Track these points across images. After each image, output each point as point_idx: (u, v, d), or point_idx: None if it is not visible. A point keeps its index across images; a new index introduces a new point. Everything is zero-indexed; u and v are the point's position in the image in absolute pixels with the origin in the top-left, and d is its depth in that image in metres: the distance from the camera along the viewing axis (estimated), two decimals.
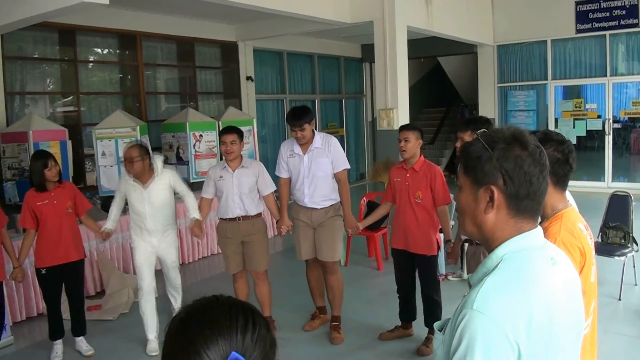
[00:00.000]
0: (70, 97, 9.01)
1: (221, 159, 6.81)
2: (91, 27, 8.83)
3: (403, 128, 4.91)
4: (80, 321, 5.21)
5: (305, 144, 5.08)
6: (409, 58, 9.55)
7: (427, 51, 13.04)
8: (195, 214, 5.29)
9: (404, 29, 9.18)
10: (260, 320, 1.10)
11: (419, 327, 5.04)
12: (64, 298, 5.18)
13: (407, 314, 5.09)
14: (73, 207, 5.09)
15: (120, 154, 7.26)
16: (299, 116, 4.99)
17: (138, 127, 7.94)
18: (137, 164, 4.99)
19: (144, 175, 5.09)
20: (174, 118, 9.25)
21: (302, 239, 5.23)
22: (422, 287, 4.89)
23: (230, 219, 5.18)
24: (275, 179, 5.35)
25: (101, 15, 8.32)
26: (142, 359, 5.05)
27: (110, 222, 5.26)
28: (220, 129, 5.33)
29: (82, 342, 5.22)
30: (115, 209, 5.29)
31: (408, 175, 4.81)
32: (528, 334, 1.27)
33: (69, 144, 7.62)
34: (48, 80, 8.93)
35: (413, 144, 4.74)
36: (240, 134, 5.12)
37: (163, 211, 5.18)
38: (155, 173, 5.14)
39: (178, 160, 8.85)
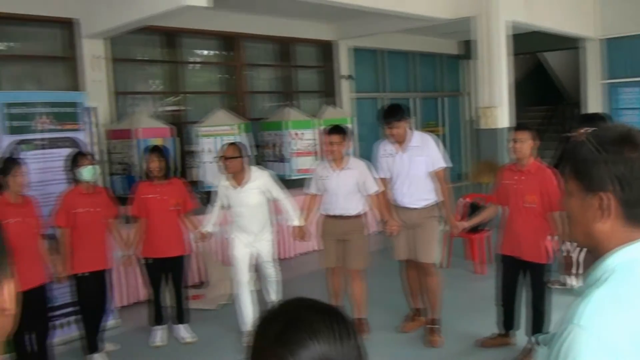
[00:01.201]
0: (175, 97, 9.40)
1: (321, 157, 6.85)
2: (193, 30, 9.15)
3: (517, 128, 4.70)
4: (182, 310, 5.42)
5: (401, 143, 4.99)
6: (511, 54, 9.25)
7: (528, 47, 12.55)
8: (295, 221, 5.33)
9: (504, 24, 8.91)
10: (352, 326, 1.07)
11: (519, 335, 4.82)
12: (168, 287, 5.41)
13: (508, 323, 4.85)
14: (179, 204, 5.30)
15: (214, 156, 7.50)
16: (392, 114, 4.92)
17: (241, 125, 8.15)
18: (234, 162, 5.07)
19: (239, 175, 5.16)
20: (273, 117, 9.43)
21: (399, 239, 5.14)
22: (529, 296, 4.63)
23: (331, 216, 5.20)
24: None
25: (202, 18, 8.60)
26: (239, 349, 5.15)
27: (210, 225, 5.39)
28: (321, 127, 5.35)
29: (183, 329, 5.42)
30: (215, 211, 5.39)
31: (519, 177, 4.56)
32: (635, 353, 1.17)
33: (176, 140, 7.94)
34: (153, 81, 9.34)
35: (526, 145, 4.49)
36: (344, 134, 5.11)
37: (257, 212, 5.22)
38: (250, 175, 5.20)
39: (277, 158, 9.01)
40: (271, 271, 5.46)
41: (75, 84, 7.89)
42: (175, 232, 5.33)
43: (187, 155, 8.91)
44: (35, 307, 4.44)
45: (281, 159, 8.95)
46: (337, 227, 5.17)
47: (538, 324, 4.56)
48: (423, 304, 5.34)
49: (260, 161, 9.07)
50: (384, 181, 5.20)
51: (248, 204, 5.15)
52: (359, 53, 11.92)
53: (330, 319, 1.04)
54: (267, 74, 10.90)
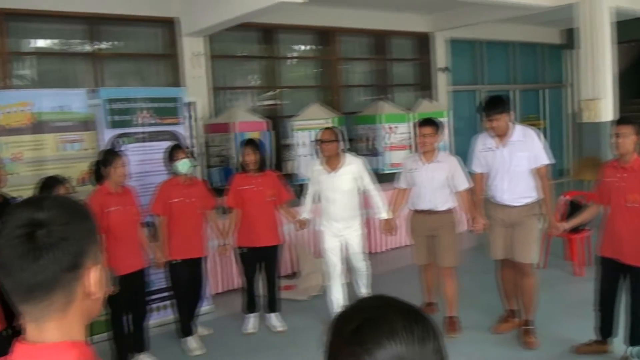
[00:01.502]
0: (271, 91, 9.58)
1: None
2: (289, 25, 9.28)
3: (618, 122, 4.36)
4: (274, 299, 5.53)
5: (501, 137, 4.79)
6: (615, 42, 8.75)
7: (632, 34, 11.79)
8: (383, 213, 5.31)
9: (608, 10, 8.43)
10: (433, 327, 1.04)
11: (617, 343, 4.50)
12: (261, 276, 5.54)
13: (607, 330, 4.52)
14: (274, 195, 5.40)
15: (311, 140, 7.59)
16: (493, 105, 4.74)
17: (334, 119, 8.20)
18: (330, 146, 5.11)
19: (333, 159, 5.19)
20: (368, 110, 9.41)
21: (496, 237, 4.94)
22: (631, 302, 4.30)
23: (419, 211, 5.15)
24: (470, 174, 5.16)
25: (298, 13, 8.70)
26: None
27: (306, 213, 5.48)
28: (414, 121, 5.29)
29: (275, 318, 5.53)
30: (309, 199, 5.48)
31: (622, 175, 4.26)
32: None
33: (272, 134, 8.10)
34: (250, 76, 9.56)
35: (629, 140, 4.18)
36: (436, 127, 5.04)
37: (349, 198, 5.23)
38: (344, 160, 5.23)
39: (370, 152, 8.99)
40: (361, 264, 5.45)
41: (175, 80, 8.22)
42: (270, 223, 5.43)
43: (283, 148, 9.06)
44: (133, 290, 4.71)
45: (374, 153, 8.93)
46: (425, 222, 5.10)
47: (637, 332, 4.27)
48: (518, 305, 5.12)
49: (354, 155, 9.09)
50: (481, 176, 5.04)
51: (341, 189, 5.17)
52: (455, 44, 11.65)
53: (410, 320, 1.01)
54: (362, 68, 10.89)
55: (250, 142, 5.46)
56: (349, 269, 5.56)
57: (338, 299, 5.28)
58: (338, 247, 5.32)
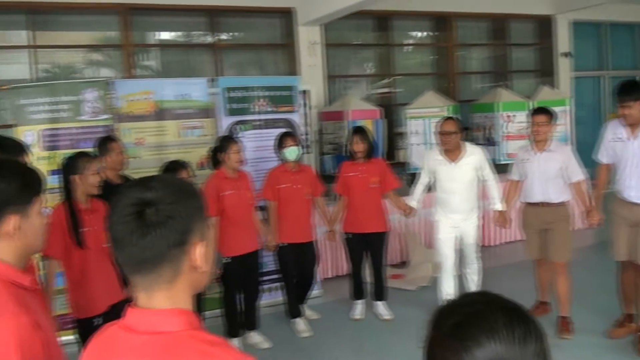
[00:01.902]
0: (386, 79, 9.55)
1: None
2: (405, 12, 9.21)
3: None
4: (380, 287, 5.55)
5: (633, 127, 4.43)
6: None
7: None
8: (498, 204, 5.19)
9: None
10: (537, 328, 1.02)
11: None
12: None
13: None
14: (379, 182, 5.40)
15: (431, 135, 7.49)
16: (626, 91, 4.38)
17: (449, 107, 8.06)
18: (452, 138, 4.99)
19: (455, 151, 5.08)
20: (484, 98, 9.14)
21: (620, 236, 4.60)
22: None
23: (532, 204, 4.96)
24: (592, 164, 4.87)
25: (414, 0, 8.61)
26: None
27: (415, 201, 5.44)
28: (532, 109, 5.08)
29: (382, 306, 5.55)
30: (420, 188, 5.43)
31: None
32: None
33: (384, 122, 8.09)
34: (365, 64, 9.58)
35: None
36: (550, 116, 4.84)
37: (469, 189, 5.13)
38: (465, 150, 5.11)
39: (486, 141, 8.75)
40: (473, 257, 5.33)
41: (292, 69, 8.41)
42: (376, 209, 5.43)
43: (395, 136, 9.02)
44: (246, 270, 4.92)
45: (491, 142, 8.67)
46: (538, 215, 4.91)
47: None
48: (637, 309, 4.76)
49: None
50: (607, 168, 4.75)
51: (462, 180, 5.07)
52: (579, 27, 10.97)
53: (512, 319, 1.00)
54: (480, 54, 10.59)
55: (358, 131, 5.47)
56: (461, 261, 5.47)
57: (448, 292, 5.20)
58: (453, 238, 5.24)
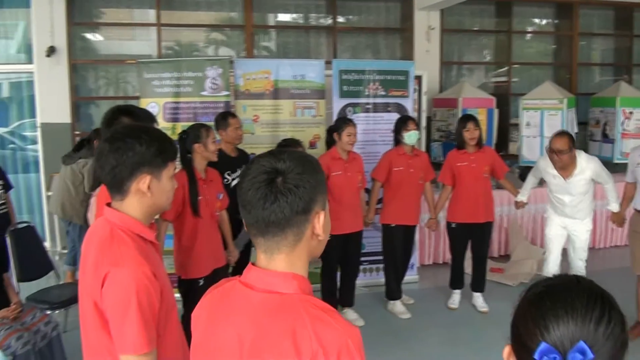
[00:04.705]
0: (503, 68, 9.33)
1: None
2: None
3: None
4: (480, 278, 5.52)
5: None
6: None
7: None
8: (613, 205, 5.00)
9: None
10: (617, 316, 1.06)
11: None
12: (468, 255, 5.58)
13: None
14: (490, 172, 5.35)
15: (545, 128, 7.29)
16: None
17: (565, 100, 7.78)
18: (563, 157, 4.64)
19: (568, 168, 4.76)
20: (604, 92, 8.71)
21: None
22: None
23: None
24: None
25: None
26: None
27: (524, 195, 5.33)
28: None
29: (479, 298, 5.54)
30: (530, 183, 5.32)
31: None
32: None
33: (496, 112, 7.94)
34: (483, 52, 9.40)
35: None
36: None
37: (582, 200, 4.90)
38: (579, 165, 4.76)
39: (603, 138, 8.37)
40: (580, 261, 5.09)
41: (407, 53, 8.42)
42: (485, 199, 5.36)
43: (510, 127, 8.81)
44: (348, 249, 5.08)
45: (607, 140, 8.29)
46: None
47: None
48: None
49: (585, 140, 8.56)
50: None
51: (575, 192, 4.83)
52: None
53: (594, 302, 1.05)
54: (602, 44, 10.07)
55: (471, 118, 5.36)
56: (566, 261, 5.27)
57: None
58: (562, 236, 5.09)
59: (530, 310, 1.09)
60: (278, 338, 1.21)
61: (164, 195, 1.87)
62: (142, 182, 1.78)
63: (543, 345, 1.02)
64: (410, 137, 5.18)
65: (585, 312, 1.03)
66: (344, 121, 5.05)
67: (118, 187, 1.79)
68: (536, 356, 1.02)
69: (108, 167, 1.77)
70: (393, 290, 5.45)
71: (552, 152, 4.66)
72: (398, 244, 5.37)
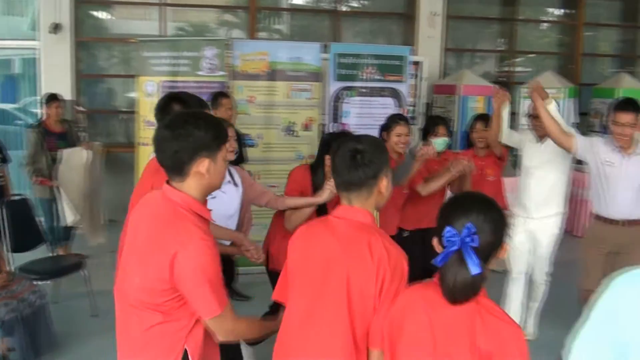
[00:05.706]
0: (504, 56, 9.34)
1: None
2: None
3: None
4: None
5: None
6: None
7: None
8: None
9: None
10: (495, 209, 1.68)
11: None
12: None
13: None
14: (496, 175, 5.01)
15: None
16: None
17: (566, 90, 7.79)
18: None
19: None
20: (605, 83, 8.70)
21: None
22: None
23: (609, 220, 4.01)
24: None
25: None
26: None
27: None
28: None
29: None
30: (514, 134, 4.88)
31: None
32: None
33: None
34: (487, 39, 9.39)
35: None
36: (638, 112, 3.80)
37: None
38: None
39: (602, 129, 8.36)
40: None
41: (409, 39, 8.44)
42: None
43: (510, 117, 8.78)
44: (426, 247, 4.75)
45: (606, 131, 8.25)
46: (614, 235, 3.99)
47: None
48: None
49: (585, 131, 8.56)
50: None
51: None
52: None
53: (480, 204, 1.68)
54: (608, 35, 10.03)
55: (484, 117, 4.99)
56: None
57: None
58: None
59: (443, 212, 1.69)
60: (359, 245, 1.86)
61: (219, 176, 2.04)
62: (202, 165, 1.94)
63: (448, 228, 1.61)
64: (440, 144, 4.27)
65: (475, 211, 1.64)
66: (393, 119, 4.17)
67: (179, 170, 1.95)
68: (444, 234, 1.61)
69: (170, 151, 1.93)
70: None
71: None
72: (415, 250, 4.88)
